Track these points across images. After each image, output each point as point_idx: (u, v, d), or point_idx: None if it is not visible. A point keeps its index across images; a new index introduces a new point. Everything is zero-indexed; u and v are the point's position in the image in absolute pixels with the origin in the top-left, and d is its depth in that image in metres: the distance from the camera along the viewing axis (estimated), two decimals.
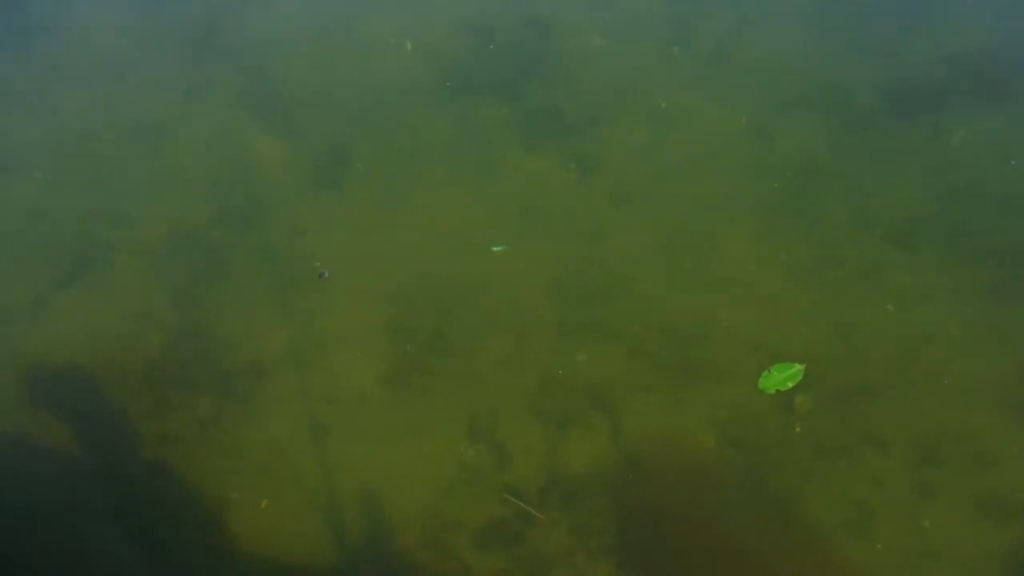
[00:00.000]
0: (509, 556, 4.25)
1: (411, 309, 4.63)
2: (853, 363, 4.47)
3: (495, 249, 4.49)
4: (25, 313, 4.42)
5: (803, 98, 5.05)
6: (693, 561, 4.21)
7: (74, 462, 4.25)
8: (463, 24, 5.33)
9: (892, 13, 5.43)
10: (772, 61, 5.19)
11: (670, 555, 4.23)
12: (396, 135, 5.03)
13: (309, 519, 4.27)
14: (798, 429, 4.38)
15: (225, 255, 4.65)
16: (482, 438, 4.45)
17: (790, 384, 4.33)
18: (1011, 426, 4.18)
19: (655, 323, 4.65)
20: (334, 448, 4.39)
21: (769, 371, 4.35)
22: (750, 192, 4.89)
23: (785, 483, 4.32)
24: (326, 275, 4.17)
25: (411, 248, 4.75)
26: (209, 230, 4.70)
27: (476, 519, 4.34)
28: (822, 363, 4.50)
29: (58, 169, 4.77)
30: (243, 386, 4.44)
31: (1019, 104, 5.06)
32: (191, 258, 4.63)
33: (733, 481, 4.37)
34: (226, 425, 4.37)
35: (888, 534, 4.11)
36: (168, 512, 4.24)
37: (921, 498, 4.09)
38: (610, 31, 5.32)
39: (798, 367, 4.35)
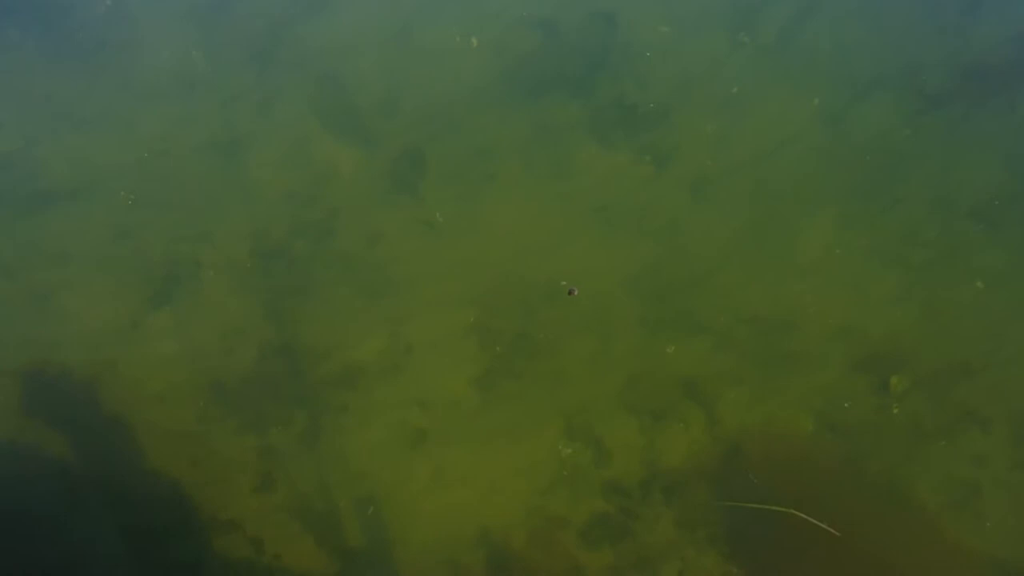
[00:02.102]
0: (617, 551, 4.26)
1: (495, 311, 4.61)
2: (946, 342, 4.45)
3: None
4: (121, 335, 4.41)
5: (874, 80, 5.00)
6: (800, 547, 4.21)
7: (180, 479, 4.25)
8: (528, 20, 5.27)
9: None
10: (840, 45, 5.13)
11: (777, 542, 4.23)
12: (468, 136, 4.99)
13: (416, 524, 4.27)
14: (895, 411, 4.36)
15: (309, 267, 4.63)
16: (579, 435, 4.44)
17: None
18: None
19: (740, 313, 4.62)
20: (433, 453, 4.39)
21: None
22: (827, 176, 4.85)
23: (887, 465, 4.31)
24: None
25: (490, 249, 4.72)
26: (291, 242, 4.67)
27: (581, 516, 4.35)
28: (914, 344, 4.48)
29: (139, 188, 4.74)
30: (338, 396, 4.44)
31: None
32: (276, 271, 4.61)
33: (834, 465, 4.36)
34: (326, 435, 4.36)
35: (996, 512, 4.11)
36: (279, 524, 4.24)
37: None
38: (675, 21, 5.26)
39: None
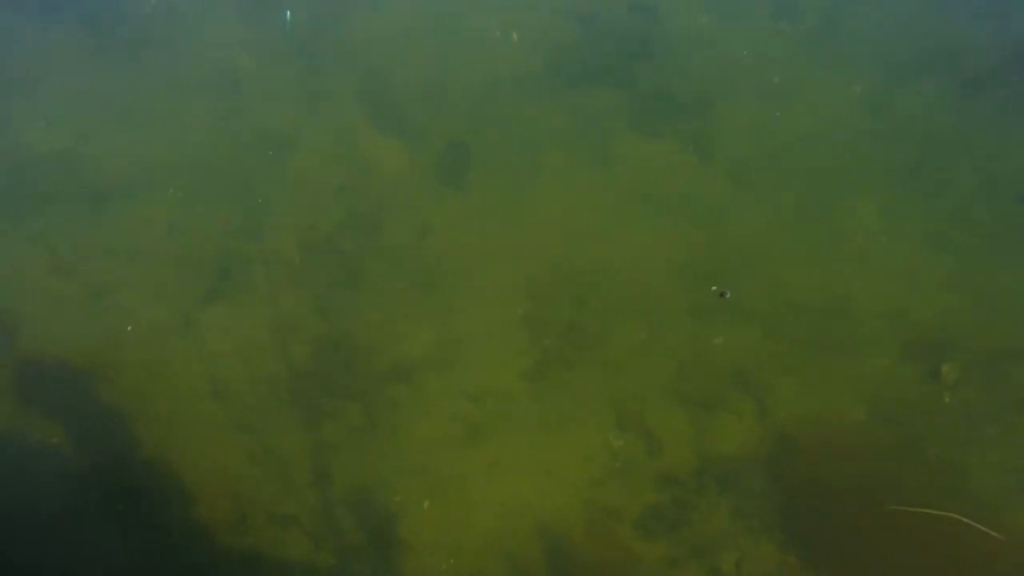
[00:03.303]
0: (673, 542, 4.24)
1: (544, 301, 4.58)
2: (997, 328, 4.41)
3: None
4: (175, 330, 4.40)
5: (917, 65, 4.94)
6: (856, 535, 4.18)
7: (236, 475, 4.24)
8: (567, 11, 5.22)
9: None
10: (881, 30, 5.07)
11: (833, 530, 4.21)
12: (512, 127, 4.95)
13: (473, 517, 4.26)
14: (947, 399, 4.32)
15: (358, 261, 4.60)
16: (630, 426, 4.42)
17: None
18: None
19: (788, 300, 4.59)
20: (487, 446, 4.37)
21: None
22: (872, 162, 4.79)
23: (940, 453, 4.28)
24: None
25: (537, 240, 4.69)
26: (340, 237, 4.65)
27: (636, 507, 4.33)
28: (965, 330, 4.44)
29: (189, 184, 4.72)
30: (391, 390, 4.42)
31: None
32: (326, 266, 4.59)
33: (887, 453, 4.32)
34: (379, 430, 4.35)
35: None
36: (335, 519, 4.23)
37: None
38: (714, 9, 5.21)
39: None
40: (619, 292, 4.63)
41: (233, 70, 4.86)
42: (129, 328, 4.28)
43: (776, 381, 4.46)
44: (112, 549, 4.07)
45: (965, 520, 4.13)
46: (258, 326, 4.43)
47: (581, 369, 4.48)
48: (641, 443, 4.38)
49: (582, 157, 4.87)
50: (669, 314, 4.59)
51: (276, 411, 4.32)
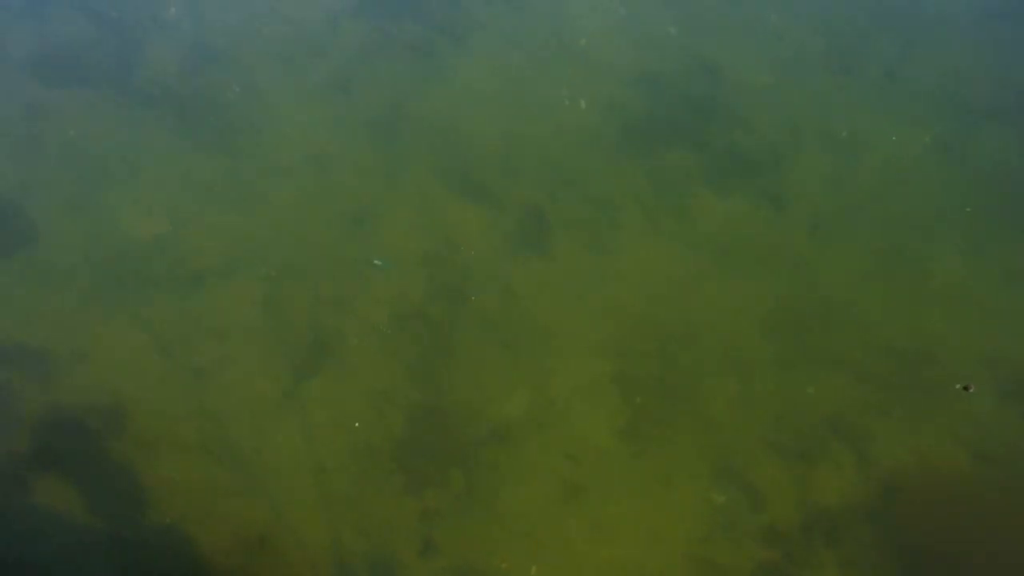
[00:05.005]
0: None
1: (633, 358, 4.55)
2: None
3: (376, 263, 4.43)
4: (277, 405, 4.37)
5: (985, 110, 4.95)
6: None
7: (345, 547, 4.18)
8: (633, 76, 5.29)
9: None
10: (944, 78, 5.10)
11: None
12: (588, 190, 4.98)
13: None
14: None
15: (448, 328, 4.59)
16: (730, 481, 4.34)
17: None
18: None
19: (878, 346, 4.54)
20: (589, 506, 4.29)
21: None
22: (949, 207, 4.77)
23: None
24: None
25: (621, 298, 4.68)
26: (429, 305, 4.65)
27: (744, 563, 4.22)
28: None
29: (280, 261, 4.75)
30: (489, 453, 4.37)
31: None
32: (417, 334, 4.58)
33: (993, 496, 4.21)
34: (481, 494, 4.28)
35: None
36: None
37: None
38: (776, 68, 5.26)
39: None
40: (706, 346, 4.59)
41: (317, 150, 4.93)
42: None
43: (873, 428, 4.39)
44: None
45: None
46: (354, 396, 4.41)
47: (675, 425, 4.42)
48: (743, 498, 4.30)
49: (660, 215, 4.88)
50: (758, 365, 4.54)
51: (379, 481, 4.27)
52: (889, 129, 5.02)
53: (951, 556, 4.09)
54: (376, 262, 4.61)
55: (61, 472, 4.21)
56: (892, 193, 4.91)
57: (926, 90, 5.10)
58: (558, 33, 5.46)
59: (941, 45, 5.19)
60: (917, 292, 4.66)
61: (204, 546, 4.14)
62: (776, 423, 4.43)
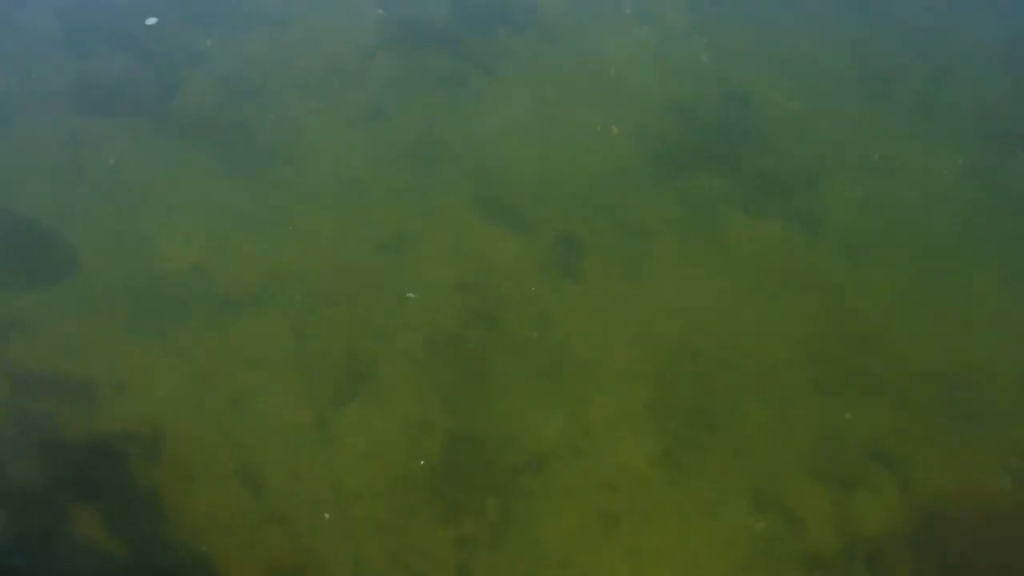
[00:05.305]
0: None
1: (668, 385, 4.53)
2: None
3: (410, 296, 4.43)
4: (312, 433, 4.36)
5: (1020, 134, 4.92)
6: None
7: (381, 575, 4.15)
8: (662, 104, 5.31)
9: None
10: (979, 104, 5.09)
11: None
12: (620, 216, 4.99)
13: None
14: None
15: (483, 355, 4.58)
16: (769, 507, 4.29)
17: None
18: None
19: (916, 371, 4.50)
20: (628, 535, 4.25)
21: None
22: (986, 230, 4.75)
23: None
24: None
25: (656, 325, 4.66)
26: (463, 332, 4.64)
27: None
28: None
29: (315, 289, 4.77)
30: (525, 482, 4.33)
31: None
32: (452, 362, 4.57)
33: None
34: (517, 522, 4.25)
35: None
36: None
37: None
38: (806, 94, 5.28)
39: None
40: (742, 372, 4.56)
41: (351, 178, 4.96)
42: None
43: (914, 454, 4.34)
44: None
45: None
46: (390, 424, 4.40)
47: (713, 451, 4.38)
48: (783, 523, 4.25)
49: (693, 241, 4.88)
50: (796, 391, 4.52)
51: (414, 509, 4.25)
52: (922, 153, 5.01)
53: None
54: (409, 295, 4.62)
55: (98, 501, 4.21)
56: (927, 217, 4.89)
57: (956, 116, 5.10)
58: (589, 62, 5.51)
59: (974, 70, 5.19)
60: (955, 316, 4.63)
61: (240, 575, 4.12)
62: (815, 448, 4.39)
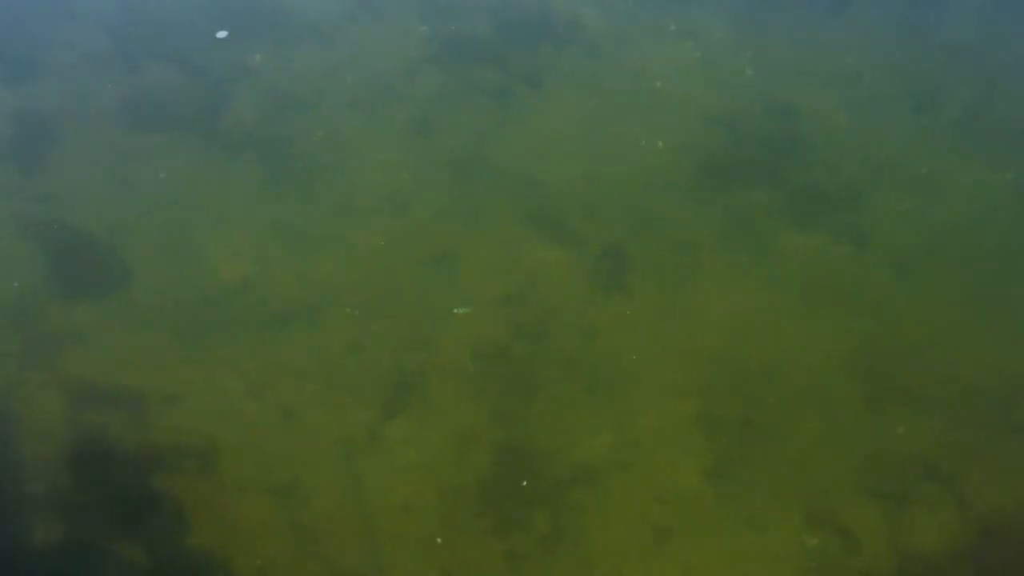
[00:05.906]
0: None
1: (717, 399, 4.49)
2: None
3: (457, 311, 4.39)
4: (362, 445, 4.35)
5: None
6: None
7: None
8: (708, 117, 5.30)
9: None
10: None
11: None
12: (667, 230, 4.97)
13: None
14: None
15: (530, 368, 4.56)
16: (822, 523, 4.24)
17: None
18: None
19: (968, 385, 4.44)
20: (680, 550, 4.20)
21: None
22: None
23: None
24: None
25: (703, 338, 4.63)
26: (511, 345, 4.63)
27: None
28: None
29: (363, 303, 4.77)
30: (575, 495, 4.30)
31: None
32: (500, 374, 4.56)
33: None
34: (568, 536, 4.22)
35: None
36: None
37: None
38: (855, 108, 5.26)
39: None
40: (791, 386, 4.52)
41: (398, 192, 4.97)
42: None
43: (968, 469, 4.28)
44: None
45: None
46: (439, 437, 4.39)
47: (762, 466, 4.34)
48: (837, 541, 4.19)
49: (739, 254, 4.85)
50: (845, 405, 4.47)
51: (463, 522, 4.22)
52: (970, 167, 4.97)
53: None
54: (456, 310, 4.62)
55: (153, 515, 4.20)
56: (975, 230, 4.85)
57: (1005, 131, 5.06)
58: (633, 76, 5.51)
59: (1022, 84, 5.15)
60: (1004, 331, 4.58)
61: None
62: (867, 464, 4.34)
